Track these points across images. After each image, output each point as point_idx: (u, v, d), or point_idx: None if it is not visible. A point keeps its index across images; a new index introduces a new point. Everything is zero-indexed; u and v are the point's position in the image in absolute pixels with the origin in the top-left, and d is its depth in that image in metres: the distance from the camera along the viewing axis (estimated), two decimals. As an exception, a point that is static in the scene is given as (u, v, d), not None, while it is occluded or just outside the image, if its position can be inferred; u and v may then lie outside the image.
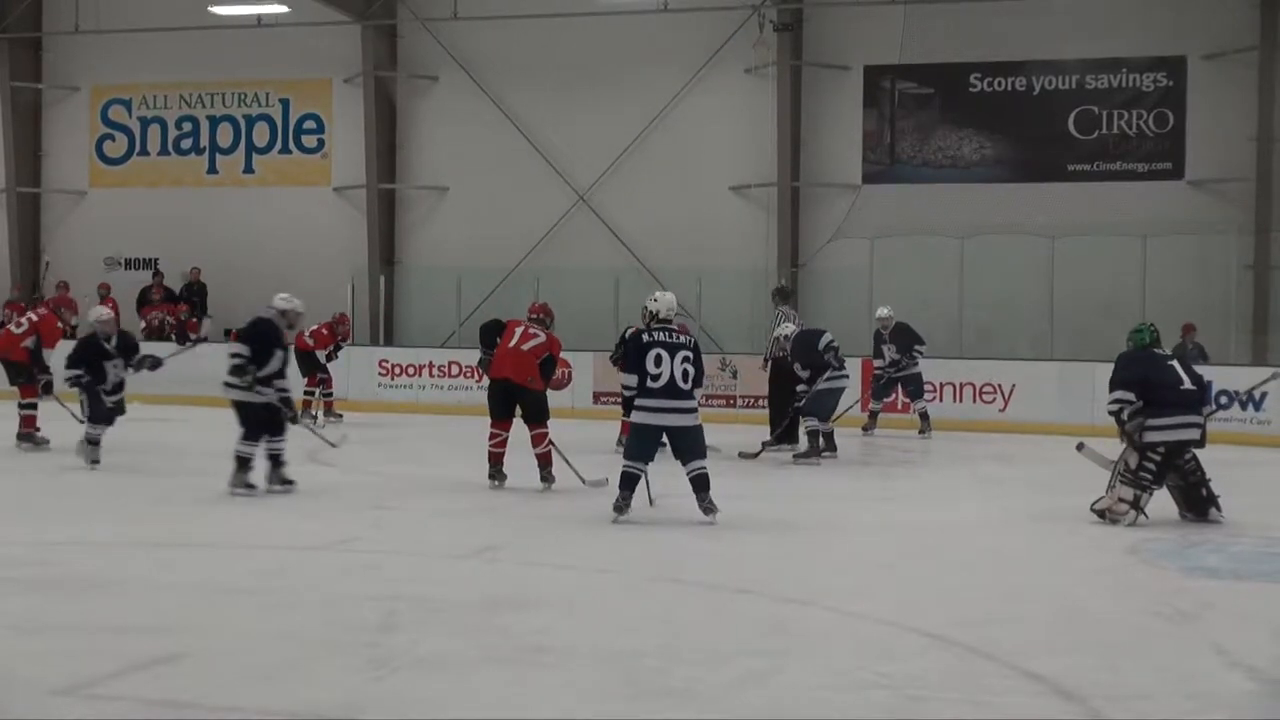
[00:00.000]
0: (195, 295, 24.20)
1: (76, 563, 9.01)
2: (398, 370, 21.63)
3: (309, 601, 7.95)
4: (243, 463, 11.86)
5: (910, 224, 21.97)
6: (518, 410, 12.71)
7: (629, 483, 10.80)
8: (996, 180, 22.31)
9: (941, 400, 19.16)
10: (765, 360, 16.75)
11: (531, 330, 12.79)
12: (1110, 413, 10.95)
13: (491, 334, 12.87)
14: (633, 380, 10.88)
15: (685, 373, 10.76)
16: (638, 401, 10.82)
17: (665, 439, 11.02)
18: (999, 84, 22.29)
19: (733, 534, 10.58)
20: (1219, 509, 11.03)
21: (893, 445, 17.16)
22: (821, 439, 15.26)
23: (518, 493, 12.32)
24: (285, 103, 24.97)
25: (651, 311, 11.45)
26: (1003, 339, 20.94)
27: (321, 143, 24.87)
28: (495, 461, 12.61)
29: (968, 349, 20.57)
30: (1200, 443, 10.96)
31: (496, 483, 12.56)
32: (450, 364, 21.34)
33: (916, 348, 17.95)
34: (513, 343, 12.63)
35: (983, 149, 22.42)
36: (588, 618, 7.68)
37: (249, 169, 25.19)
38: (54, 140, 26.01)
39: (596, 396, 20.04)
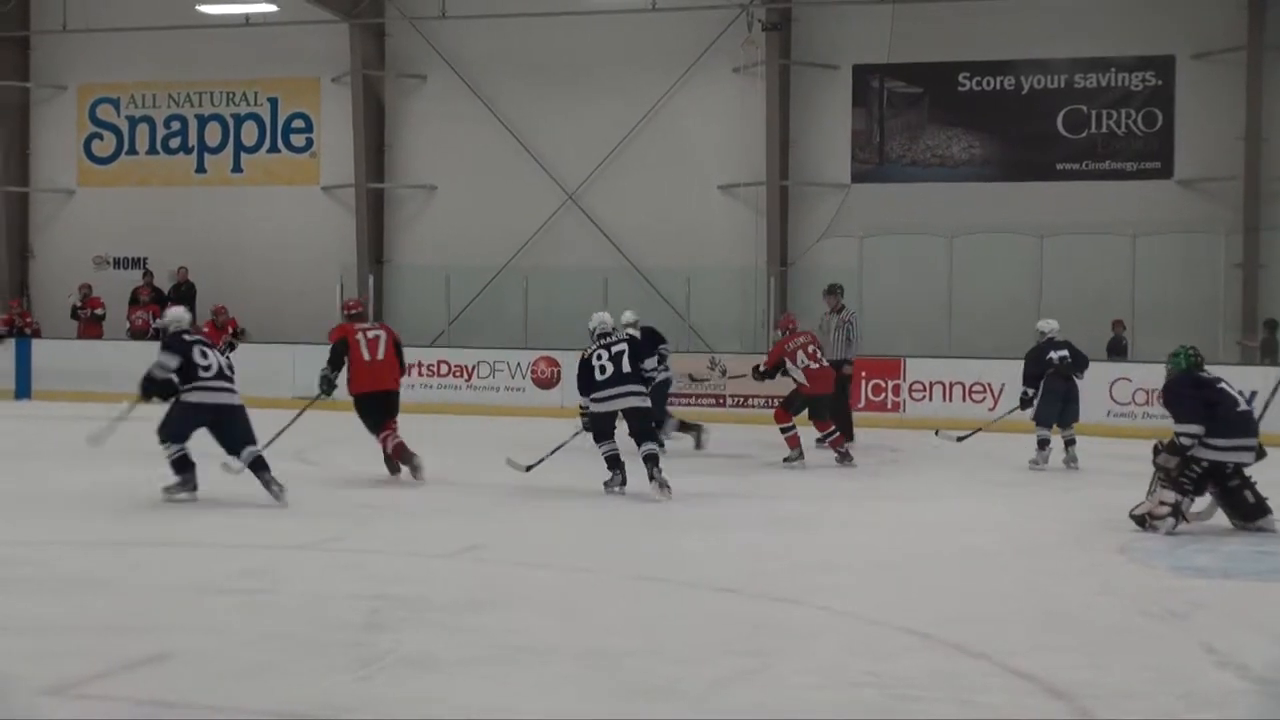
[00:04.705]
0: (183, 295, 24.11)
1: (59, 562, 8.98)
2: (386, 369, 21.54)
3: (294, 601, 7.93)
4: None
5: (899, 223, 21.98)
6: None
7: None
8: (985, 179, 22.32)
9: (931, 399, 19.16)
10: (840, 364, 16.77)
11: (371, 332, 13.24)
12: (1183, 446, 10.43)
13: (340, 355, 13.06)
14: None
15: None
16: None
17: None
18: (988, 83, 22.29)
19: (718, 533, 10.58)
20: (1270, 512, 10.61)
21: (880, 444, 17.10)
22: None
23: (502, 492, 12.30)
24: (273, 102, 24.92)
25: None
26: (992, 338, 20.91)
27: (310, 142, 24.82)
28: (407, 452, 12.89)
29: (956, 348, 20.55)
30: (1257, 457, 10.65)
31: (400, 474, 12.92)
32: (439, 363, 21.28)
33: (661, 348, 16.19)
34: (380, 354, 13.07)
35: (971, 148, 22.43)
36: (572, 617, 7.65)
37: (237, 168, 25.14)
38: (42, 139, 25.93)
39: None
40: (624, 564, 9.25)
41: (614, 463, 12.33)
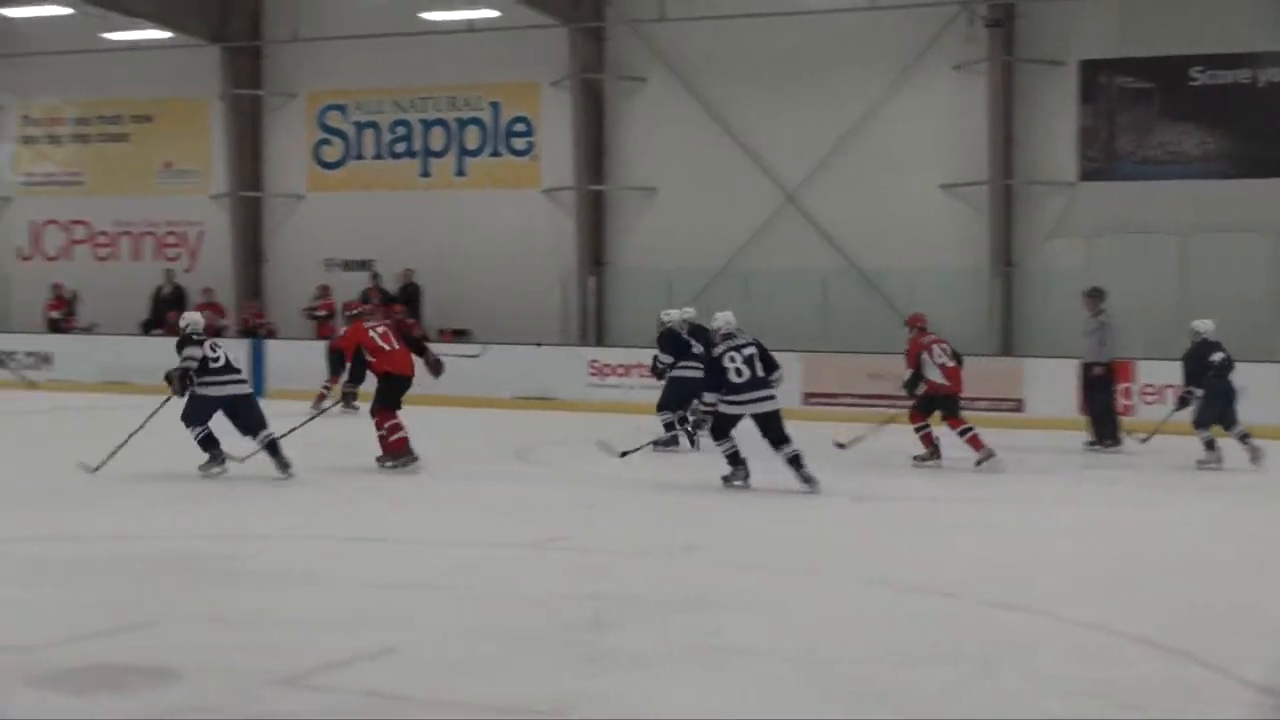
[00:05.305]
0: (409, 296, 24.57)
1: (283, 556, 9.20)
2: (608, 370, 21.73)
3: (516, 598, 8.01)
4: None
5: (1129, 222, 21.39)
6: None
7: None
8: (1220, 176, 21.54)
9: (1165, 402, 18.60)
10: (1089, 365, 16.53)
11: (380, 328, 14.02)
12: None
13: (360, 364, 13.72)
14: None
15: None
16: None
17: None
18: (1222, 77, 21.55)
19: (934, 536, 10.45)
20: None
21: (1113, 449, 16.63)
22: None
23: (721, 493, 12.31)
24: (495, 106, 25.22)
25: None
26: (1228, 340, 20.21)
27: (530, 145, 25.06)
28: (407, 445, 13.53)
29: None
30: None
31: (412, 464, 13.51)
32: (660, 364, 21.34)
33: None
34: (395, 344, 13.88)
35: (1205, 144, 21.68)
36: (789, 619, 7.60)
37: (460, 172, 25.49)
38: (273, 146, 26.60)
39: (806, 397, 19.84)
40: (840, 565, 9.18)
41: (736, 459, 12.47)
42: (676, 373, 15.47)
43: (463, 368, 21.87)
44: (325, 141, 26.21)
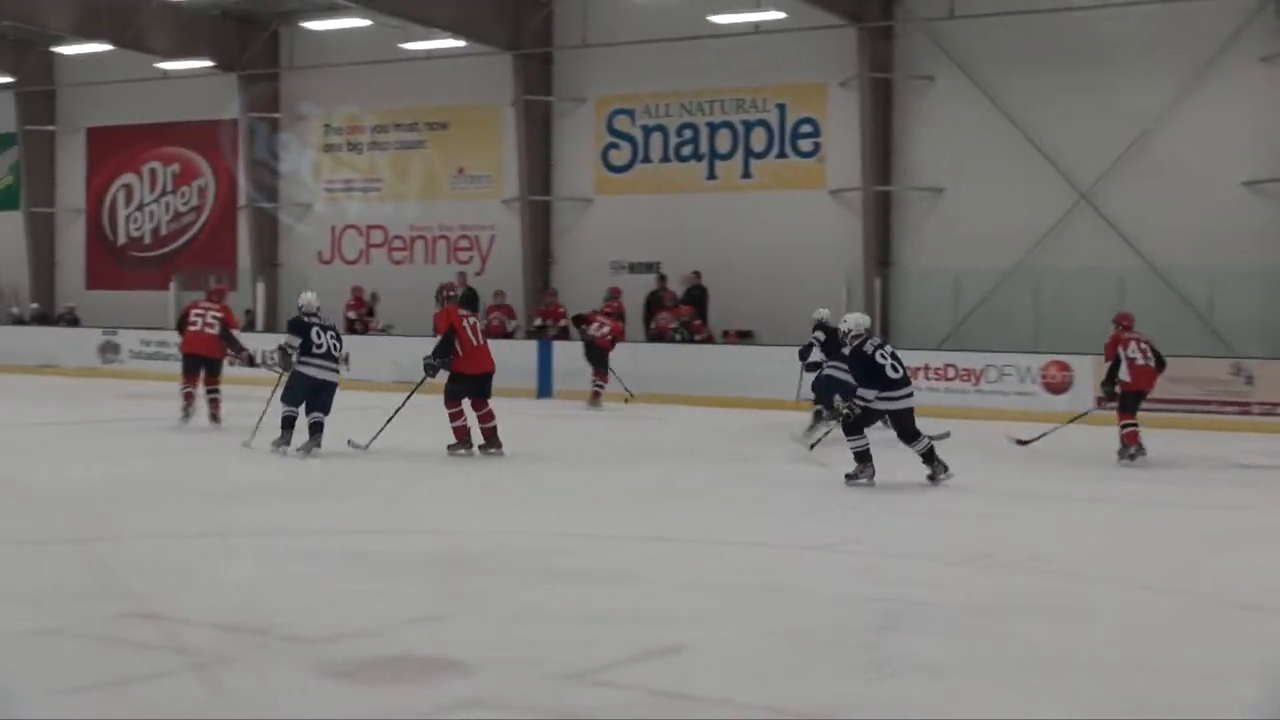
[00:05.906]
0: (695, 298, 24.70)
1: (589, 554, 9.31)
2: (895, 372, 21.47)
3: (806, 600, 7.97)
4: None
5: None
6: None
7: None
8: None
9: None
10: None
11: (471, 319, 14.71)
12: None
13: (450, 342, 14.34)
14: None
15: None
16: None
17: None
18: None
19: (1238, 546, 10.10)
20: None
21: None
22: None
23: (1006, 498, 12.10)
24: (781, 108, 25.19)
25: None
26: None
27: (817, 146, 24.96)
28: (468, 435, 14.44)
29: None
30: None
31: (466, 451, 14.40)
32: (946, 366, 21.03)
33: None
34: (481, 339, 14.55)
35: None
36: (1085, 628, 7.39)
37: (746, 174, 25.54)
38: (563, 150, 27.08)
39: (1100, 400, 19.28)
40: (1139, 574, 8.91)
41: (866, 457, 12.66)
42: (825, 371, 16.26)
43: (741, 368, 22.06)
44: (613, 145, 26.55)
